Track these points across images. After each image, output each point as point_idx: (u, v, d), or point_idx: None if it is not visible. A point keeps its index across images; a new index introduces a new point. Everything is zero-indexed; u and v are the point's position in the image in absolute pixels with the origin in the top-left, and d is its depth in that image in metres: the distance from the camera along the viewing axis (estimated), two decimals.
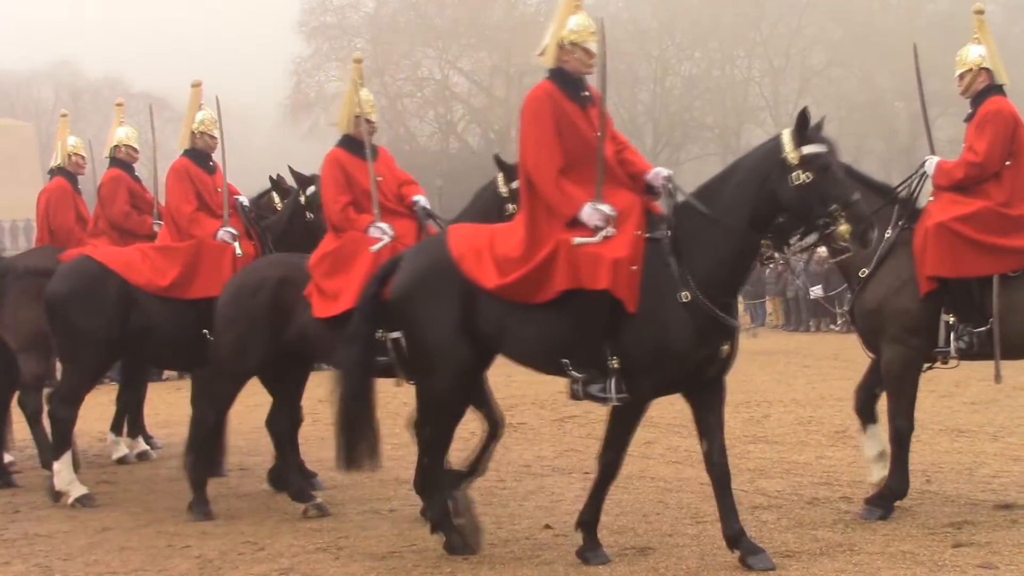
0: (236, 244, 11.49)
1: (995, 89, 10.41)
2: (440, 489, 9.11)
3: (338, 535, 9.87)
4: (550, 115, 8.43)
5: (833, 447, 13.26)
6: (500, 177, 10.14)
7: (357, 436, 9.18)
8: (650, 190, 8.65)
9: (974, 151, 10.08)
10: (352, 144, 10.60)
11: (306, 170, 12.40)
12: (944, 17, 71.03)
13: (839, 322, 33.01)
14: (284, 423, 10.88)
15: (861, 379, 10.68)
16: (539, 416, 16.48)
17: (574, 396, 8.32)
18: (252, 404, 15.39)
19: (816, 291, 26.19)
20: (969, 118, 10.45)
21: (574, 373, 8.20)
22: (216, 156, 12.50)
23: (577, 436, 14.46)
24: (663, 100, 76.88)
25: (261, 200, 14.01)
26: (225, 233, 11.51)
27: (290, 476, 10.84)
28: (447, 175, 68.09)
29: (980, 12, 10.23)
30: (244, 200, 13.71)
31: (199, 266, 11.38)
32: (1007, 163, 10.02)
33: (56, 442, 11.84)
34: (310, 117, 75.54)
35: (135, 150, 14.69)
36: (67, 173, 14.76)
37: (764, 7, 75.29)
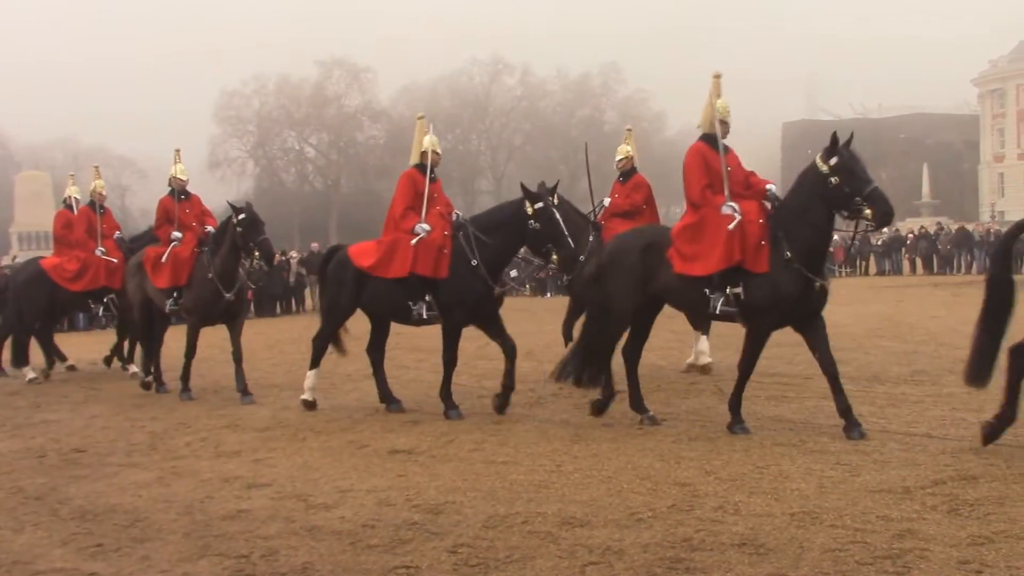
0: (421, 235, 9.20)
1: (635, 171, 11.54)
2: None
3: (235, 418, 9.61)
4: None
5: (525, 361, 13.23)
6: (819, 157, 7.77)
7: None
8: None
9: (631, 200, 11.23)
10: (711, 140, 8.37)
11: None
12: (588, 119, 73.27)
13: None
14: (636, 352, 8.72)
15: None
16: (356, 346, 16.28)
17: None
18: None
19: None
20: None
21: None
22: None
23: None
24: None
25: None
26: (419, 228, 9.24)
27: (634, 395, 8.65)
28: (303, 208, 68.29)
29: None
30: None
31: (394, 253, 9.29)
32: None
33: None
34: (219, 172, 74.72)
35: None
36: (91, 203, 13.50)
37: (487, 110, 76.37)
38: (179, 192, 11.80)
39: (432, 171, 9.67)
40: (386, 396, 9.85)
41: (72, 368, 14.25)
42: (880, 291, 26.15)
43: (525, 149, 77.43)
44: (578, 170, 29.15)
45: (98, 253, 13.08)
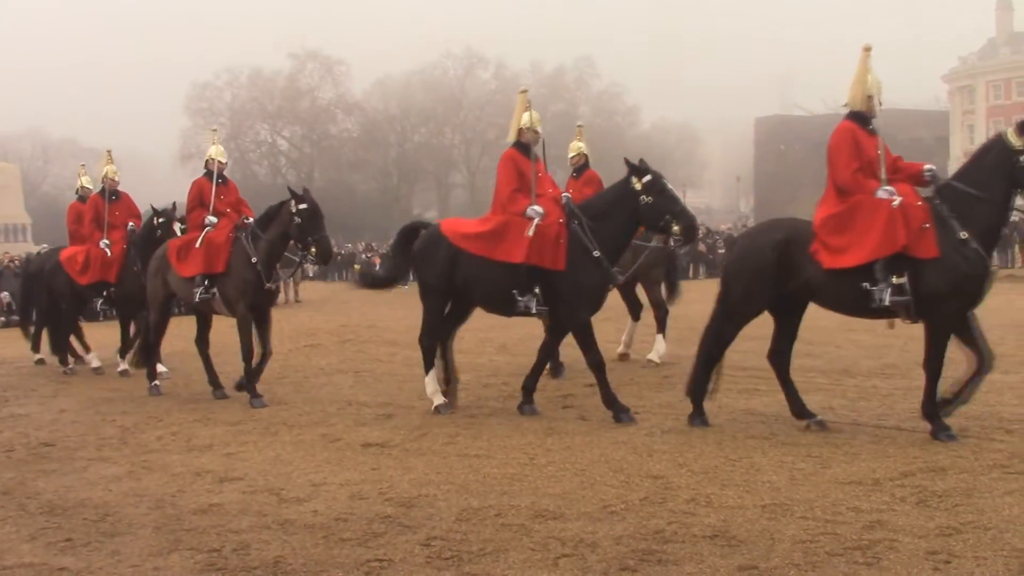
0: (536, 220, 8.34)
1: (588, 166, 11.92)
2: None
3: (206, 412, 9.54)
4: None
5: (499, 355, 13.30)
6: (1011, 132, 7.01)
7: None
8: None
9: (583, 195, 10.90)
10: (862, 119, 7.50)
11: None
12: (562, 113, 73.22)
13: None
14: (785, 356, 7.92)
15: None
16: (329, 339, 16.29)
17: None
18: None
19: None
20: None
21: None
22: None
23: (352, 351, 14.38)
24: (404, 156, 76.87)
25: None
26: (532, 211, 8.45)
27: (793, 400, 7.86)
28: (275, 201, 67.63)
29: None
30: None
31: (506, 234, 8.44)
32: None
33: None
34: (191, 164, 74.30)
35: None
36: (101, 191, 12.75)
37: (461, 103, 76.29)
38: (217, 175, 10.79)
39: (532, 150, 8.90)
40: (448, 378, 9.16)
41: (41, 362, 14.11)
42: None
43: (499, 143, 77.36)
44: (552, 164, 29.17)
45: (101, 245, 12.46)
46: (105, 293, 12.54)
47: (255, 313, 10.09)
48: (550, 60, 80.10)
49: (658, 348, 11.70)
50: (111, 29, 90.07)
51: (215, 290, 10.16)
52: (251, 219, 10.40)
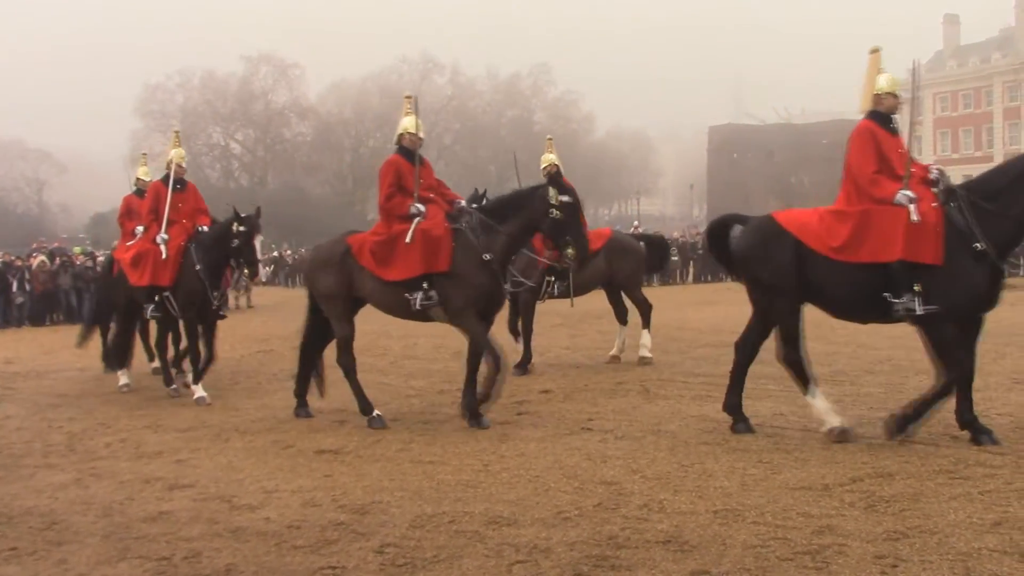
0: (912, 208, 6.85)
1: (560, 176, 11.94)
2: None
3: (156, 418, 9.43)
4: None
5: (454, 361, 13.23)
6: None
7: None
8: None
9: None
10: None
11: None
12: (518, 120, 73.61)
13: None
14: None
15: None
16: (282, 345, 16.09)
17: None
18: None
19: None
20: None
21: None
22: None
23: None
24: (359, 160, 76.65)
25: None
26: (903, 196, 6.93)
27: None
28: (228, 205, 66.98)
29: None
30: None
31: (869, 228, 7.02)
32: None
33: None
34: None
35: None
36: (164, 178, 11.19)
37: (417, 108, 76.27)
38: (412, 154, 8.86)
39: (894, 121, 7.34)
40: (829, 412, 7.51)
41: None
42: None
43: (455, 149, 77.73)
44: (507, 171, 29.46)
45: (158, 240, 10.70)
46: (157, 298, 10.76)
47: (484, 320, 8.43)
48: (506, 65, 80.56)
49: (645, 342, 11.95)
50: (61, 27, 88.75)
51: (433, 293, 8.37)
52: (462, 203, 8.76)
